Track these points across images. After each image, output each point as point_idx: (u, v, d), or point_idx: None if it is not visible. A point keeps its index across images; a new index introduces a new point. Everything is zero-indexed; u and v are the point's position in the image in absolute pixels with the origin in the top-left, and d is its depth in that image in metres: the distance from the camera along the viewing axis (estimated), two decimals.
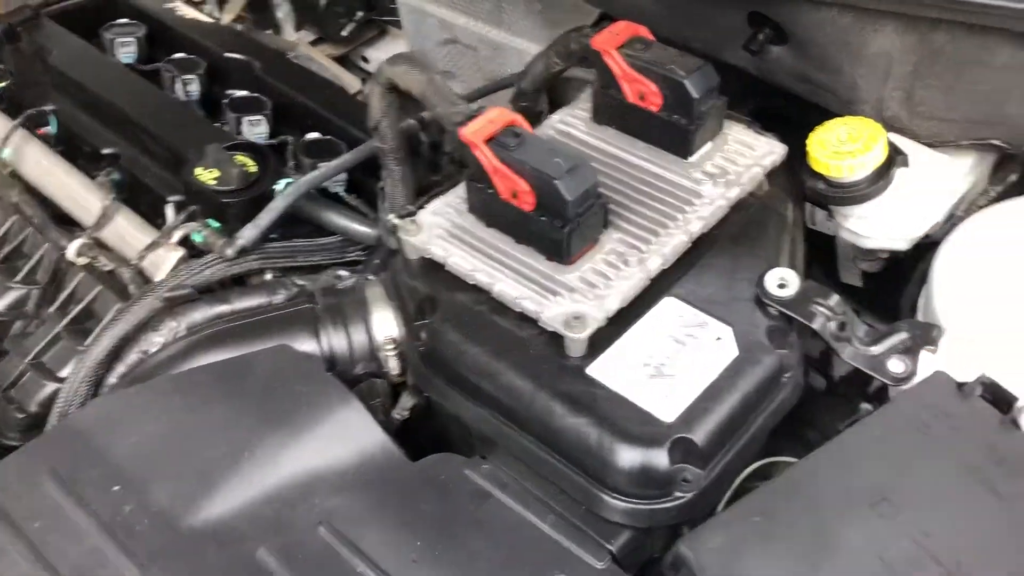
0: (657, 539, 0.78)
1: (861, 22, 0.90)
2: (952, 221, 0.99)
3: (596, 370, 0.78)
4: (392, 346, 0.91)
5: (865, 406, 1.00)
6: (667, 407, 0.75)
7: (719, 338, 0.80)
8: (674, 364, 0.78)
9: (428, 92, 0.89)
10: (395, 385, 0.93)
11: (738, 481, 0.81)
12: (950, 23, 0.86)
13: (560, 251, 0.83)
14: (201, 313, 0.95)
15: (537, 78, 1.03)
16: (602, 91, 0.95)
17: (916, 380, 0.80)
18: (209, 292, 0.99)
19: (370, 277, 1.02)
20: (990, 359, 0.78)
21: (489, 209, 0.87)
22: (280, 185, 1.08)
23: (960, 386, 0.74)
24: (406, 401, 0.89)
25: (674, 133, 0.92)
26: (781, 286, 0.83)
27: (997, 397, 0.73)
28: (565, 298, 0.82)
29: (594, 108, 0.98)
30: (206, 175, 1.05)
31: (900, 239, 0.96)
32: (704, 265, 0.87)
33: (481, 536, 0.75)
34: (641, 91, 0.92)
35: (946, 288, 0.86)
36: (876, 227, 0.95)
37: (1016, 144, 0.95)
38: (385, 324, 0.92)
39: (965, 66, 0.91)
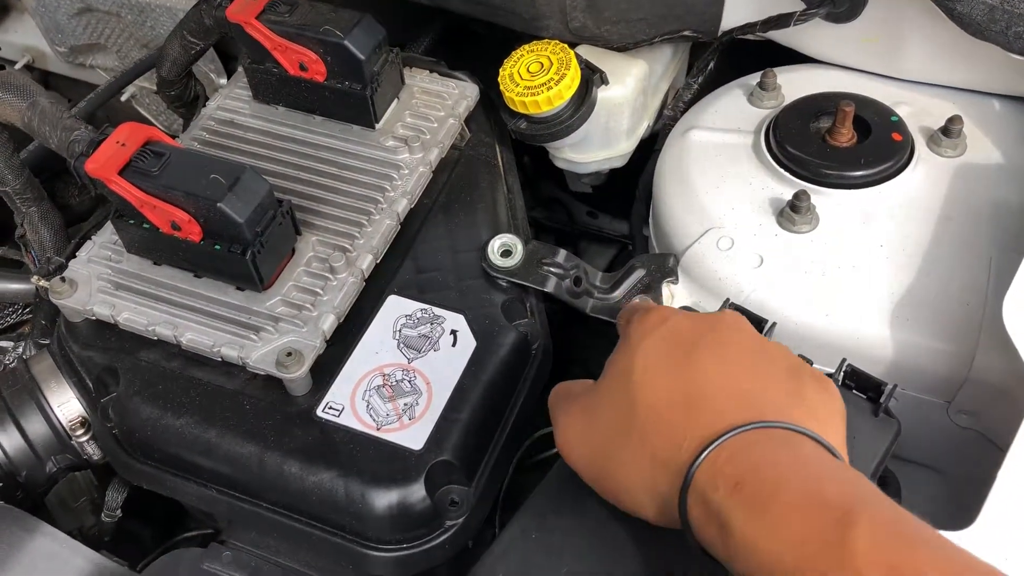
0: (443, 568, 0.70)
1: None
2: (662, 120, 0.95)
3: (327, 409, 0.67)
4: (83, 429, 0.75)
5: None
6: (413, 433, 0.66)
7: (454, 331, 0.71)
8: (412, 377, 0.69)
9: (33, 122, 0.71)
10: (104, 468, 0.78)
11: (511, 470, 0.74)
12: None
13: (249, 279, 0.70)
14: None
15: (177, 63, 0.86)
16: (256, 67, 0.81)
17: None
18: None
19: (42, 341, 0.84)
20: (734, 270, 0.74)
21: (151, 246, 0.72)
22: None
23: None
24: (114, 498, 0.74)
25: (351, 102, 0.79)
26: (505, 254, 0.75)
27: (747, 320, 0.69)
28: (271, 332, 0.69)
29: (252, 87, 0.83)
30: None
31: (616, 158, 0.91)
32: (420, 247, 0.77)
33: None
34: (300, 60, 0.78)
35: (673, 202, 0.81)
36: (589, 152, 0.89)
37: (706, 32, 0.91)
38: (66, 405, 0.75)
39: None
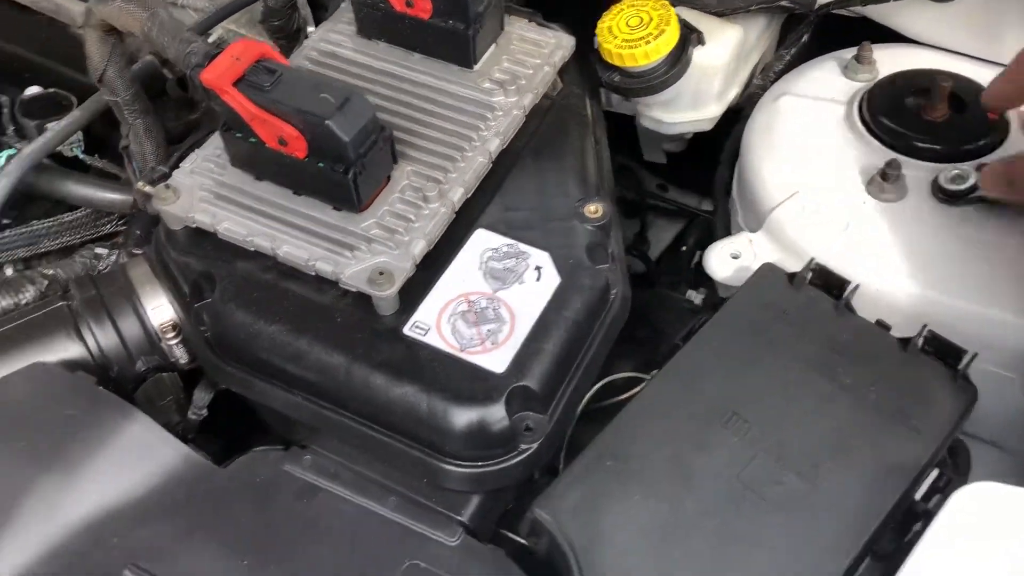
0: (509, 493, 0.73)
1: None
2: (750, 90, 0.96)
3: (413, 328, 0.70)
4: (173, 333, 0.78)
5: (691, 292, 0.98)
6: (496, 356, 0.68)
7: (539, 267, 0.73)
8: (496, 306, 0.71)
9: (152, 32, 0.74)
10: (188, 373, 0.81)
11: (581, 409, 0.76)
12: None
13: (348, 199, 0.72)
14: None
15: None
16: (363, 2, 0.83)
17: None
18: None
19: (135, 251, 0.87)
20: (819, 233, 0.75)
21: (255, 161, 0.74)
22: (0, 159, 0.90)
23: (791, 277, 0.71)
24: (201, 398, 0.77)
25: (452, 41, 0.81)
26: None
27: (828, 282, 0.70)
28: (364, 251, 0.72)
29: (358, 21, 0.85)
30: None
31: (704, 120, 0.92)
32: (509, 186, 0.79)
33: (317, 537, 0.66)
34: None
35: (761, 164, 0.82)
36: (678, 112, 0.90)
37: (803, 4, 0.91)
38: (159, 309, 0.78)
39: None
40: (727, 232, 0.87)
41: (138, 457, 0.68)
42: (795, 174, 0.79)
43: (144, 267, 0.80)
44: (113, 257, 0.89)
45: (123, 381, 0.78)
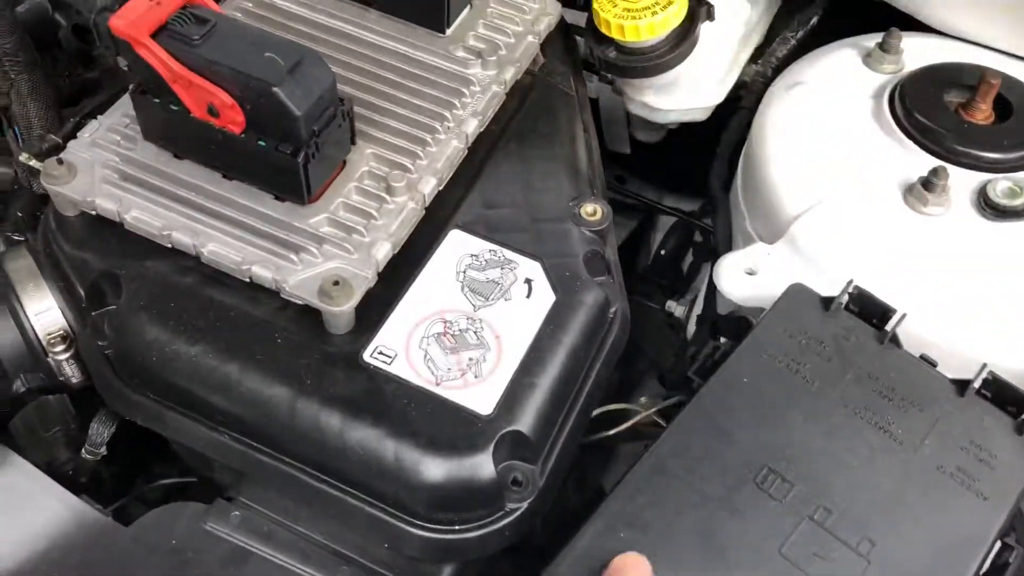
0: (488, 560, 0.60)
1: None
2: (747, 77, 0.84)
3: (376, 354, 0.56)
4: (64, 345, 0.62)
5: (671, 304, 0.87)
6: (481, 393, 0.55)
7: (529, 279, 0.60)
8: (479, 328, 0.58)
9: None
10: (81, 395, 0.65)
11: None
12: None
13: (295, 188, 0.57)
14: None
15: None
16: None
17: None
18: None
19: (15, 237, 0.71)
20: (849, 248, 0.65)
21: (176, 134, 0.59)
22: None
23: (826, 303, 0.60)
24: (99, 433, 0.61)
25: None
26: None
27: (869, 309, 0.60)
28: (313, 255, 0.57)
29: None
30: None
31: (701, 109, 0.80)
32: (490, 177, 0.66)
33: None
34: None
35: (778, 165, 0.70)
36: (677, 99, 0.78)
37: None
38: (46, 314, 0.62)
39: None
40: (728, 235, 0.75)
41: (10, 513, 0.53)
42: (819, 178, 0.68)
43: (27, 260, 0.64)
44: None
45: None
